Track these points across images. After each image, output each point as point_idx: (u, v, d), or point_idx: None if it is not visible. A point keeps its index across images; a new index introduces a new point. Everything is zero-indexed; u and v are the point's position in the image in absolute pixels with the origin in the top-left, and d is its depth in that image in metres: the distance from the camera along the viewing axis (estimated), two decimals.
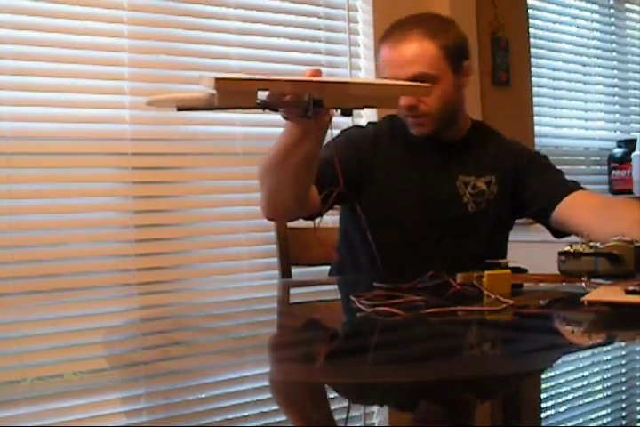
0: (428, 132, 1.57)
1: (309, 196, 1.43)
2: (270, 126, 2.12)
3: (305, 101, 1.10)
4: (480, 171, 1.61)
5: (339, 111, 1.14)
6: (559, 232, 1.58)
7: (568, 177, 1.64)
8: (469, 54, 1.60)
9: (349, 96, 1.09)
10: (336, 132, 1.56)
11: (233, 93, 1.04)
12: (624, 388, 0.72)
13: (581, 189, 1.57)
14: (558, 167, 1.67)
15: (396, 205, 1.59)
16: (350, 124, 1.91)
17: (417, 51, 1.50)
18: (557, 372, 0.79)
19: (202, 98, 1.07)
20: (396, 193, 1.59)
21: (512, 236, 1.71)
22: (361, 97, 1.10)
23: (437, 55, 1.51)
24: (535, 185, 1.59)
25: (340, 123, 2.50)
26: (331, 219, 1.77)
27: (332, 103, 1.08)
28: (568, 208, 1.52)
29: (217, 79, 1.01)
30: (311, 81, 1.08)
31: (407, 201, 1.59)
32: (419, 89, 1.11)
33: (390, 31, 1.57)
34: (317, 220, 1.45)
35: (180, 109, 1.08)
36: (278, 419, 0.69)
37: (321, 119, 1.21)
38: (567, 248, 1.19)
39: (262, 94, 1.10)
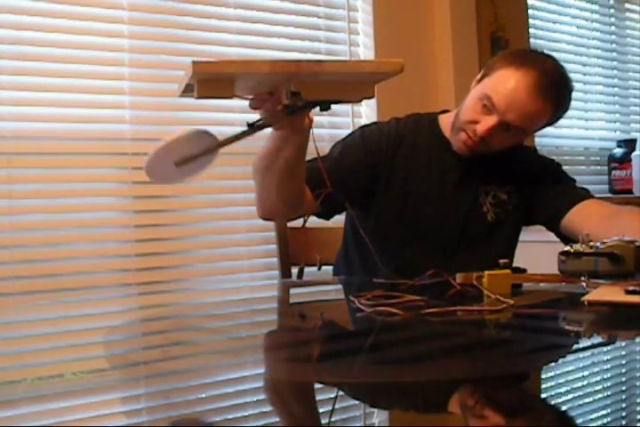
0: (470, 154, 1.53)
1: (301, 197, 1.42)
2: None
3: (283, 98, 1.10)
4: (502, 181, 1.59)
5: (317, 108, 1.13)
6: (569, 240, 1.57)
7: None
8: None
9: (325, 84, 1.07)
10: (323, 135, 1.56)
11: (211, 82, 1.04)
12: (624, 388, 0.72)
13: (591, 197, 1.56)
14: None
15: (413, 210, 1.56)
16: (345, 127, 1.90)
17: (541, 112, 1.47)
18: (557, 372, 0.79)
19: (188, 135, 1.07)
20: (415, 198, 1.56)
21: None
22: (337, 85, 1.08)
23: (545, 120, 1.50)
24: (546, 193, 1.58)
25: (342, 123, 2.51)
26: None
27: (310, 95, 1.07)
28: (577, 217, 1.51)
29: (194, 62, 1.01)
30: (287, 60, 1.08)
31: (425, 207, 1.56)
32: (392, 64, 1.08)
33: (534, 70, 1.45)
34: (305, 219, 1.44)
35: (179, 164, 1.08)
36: (278, 419, 0.69)
37: (300, 123, 1.19)
38: (567, 248, 1.19)
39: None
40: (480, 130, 1.47)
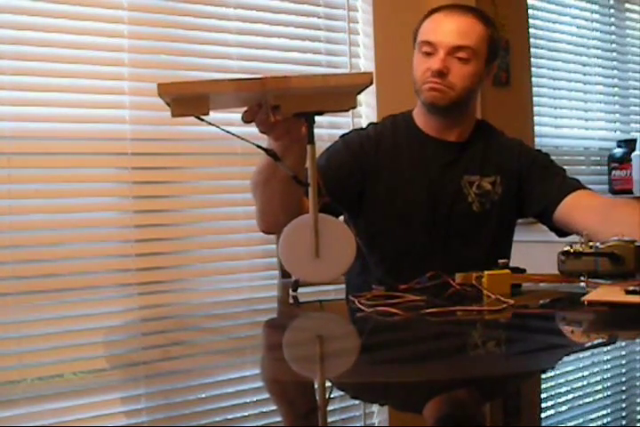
0: (442, 101, 1.54)
1: (301, 207, 1.42)
2: None
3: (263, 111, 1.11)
4: (485, 171, 1.60)
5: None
6: (562, 232, 1.57)
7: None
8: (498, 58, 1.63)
9: (304, 97, 1.07)
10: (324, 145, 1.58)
11: (185, 101, 1.06)
12: (624, 388, 0.72)
13: (583, 188, 1.57)
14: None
15: (401, 205, 1.57)
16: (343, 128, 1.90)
17: (471, 26, 1.54)
18: (557, 372, 0.79)
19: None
20: (402, 193, 1.58)
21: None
22: (317, 98, 1.08)
23: (483, 38, 1.55)
24: (537, 185, 1.59)
25: (342, 123, 2.51)
26: None
27: (290, 108, 1.07)
28: (570, 209, 1.51)
29: (159, 84, 1.02)
30: (252, 79, 1.08)
31: (412, 201, 1.58)
32: (360, 77, 1.08)
33: (445, 6, 1.59)
34: None
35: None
36: (278, 419, 0.69)
37: (297, 132, 1.19)
38: (567, 248, 1.19)
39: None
40: (434, 66, 1.51)
